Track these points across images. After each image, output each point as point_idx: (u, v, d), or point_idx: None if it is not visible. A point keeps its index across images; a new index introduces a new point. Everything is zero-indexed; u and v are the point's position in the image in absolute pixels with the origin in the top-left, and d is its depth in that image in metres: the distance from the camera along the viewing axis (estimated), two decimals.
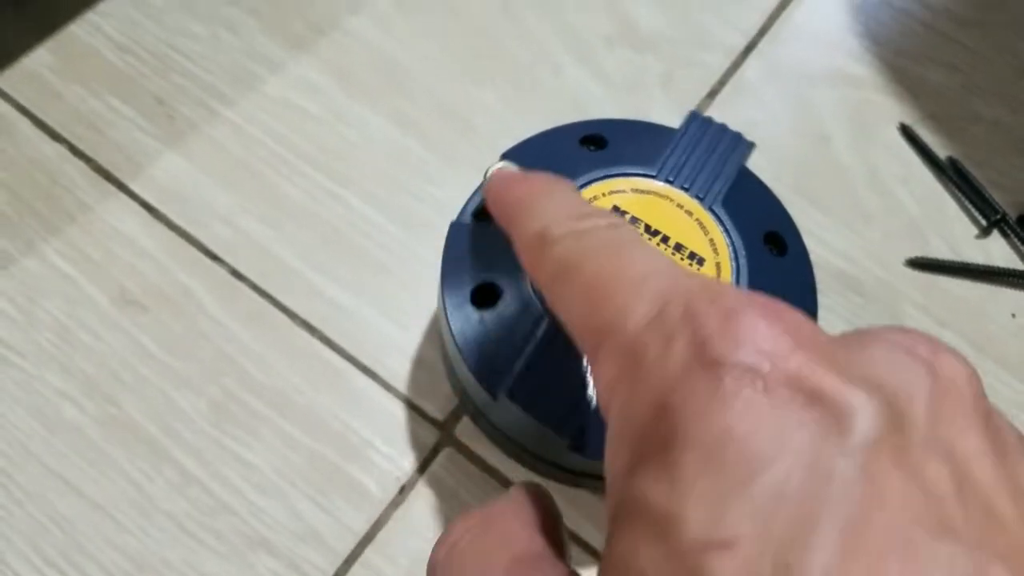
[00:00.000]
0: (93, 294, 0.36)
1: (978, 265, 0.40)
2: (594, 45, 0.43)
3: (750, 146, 0.31)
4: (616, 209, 0.30)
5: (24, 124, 0.40)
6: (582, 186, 0.30)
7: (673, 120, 0.33)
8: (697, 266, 0.29)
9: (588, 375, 0.27)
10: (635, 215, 0.30)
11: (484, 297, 0.29)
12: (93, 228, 0.38)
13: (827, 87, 0.43)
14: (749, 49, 0.44)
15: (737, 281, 0.29)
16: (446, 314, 0.29)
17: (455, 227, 0.31)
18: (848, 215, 0.41)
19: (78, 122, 0.40)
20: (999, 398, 0.38)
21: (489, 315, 0.29)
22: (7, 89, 0.40)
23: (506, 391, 0.27)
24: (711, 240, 0.30)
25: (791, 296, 0.29)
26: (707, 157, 0.31)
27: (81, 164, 0.39)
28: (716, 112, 0.42)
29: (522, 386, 0.27)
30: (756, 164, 0.32)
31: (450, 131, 0.41)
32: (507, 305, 0.29)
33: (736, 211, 0.30)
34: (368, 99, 0.41)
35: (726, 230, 0.30)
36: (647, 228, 0.30)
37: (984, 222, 0.41)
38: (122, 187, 0.39)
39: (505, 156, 0.31)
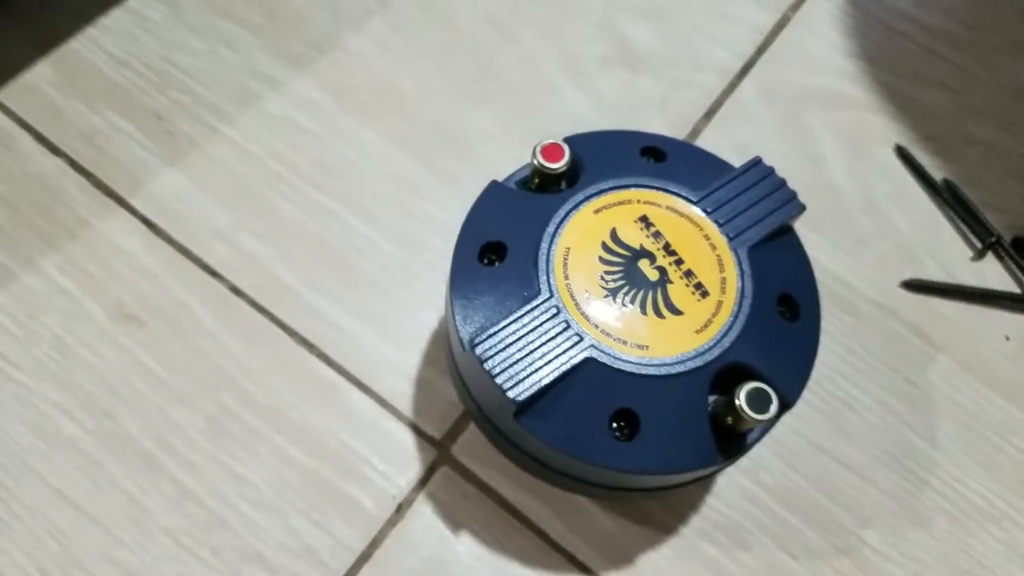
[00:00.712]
0: (92, 310, 0.37)
1: (972, 287, 0.41)
2: (591, 67, 0.44)
3: (800, 208, 0.31)
4: (644, 219, 0.30)
5: (25, 139, 0.40)
6: (624, 187, 0.31)
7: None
8: (700, 297, 0.29)
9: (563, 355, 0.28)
10: (660, 230, 0.30)
11: (491, 255, 0.30)
12: (92, 243, 0.38)
13: (822, 107, 0.44)
14: (746, 70, 0.44)
15: (731, 324, 0.29)
16: (452, 264, 0.30)
17: (494, 185, 0.32)
18: (842, 236, 0.41)
19: (78, 137, 0.40)
20: (990, 421, 0.38)
21: (489, 272, 0.29)
22: (8, 103, 0.41)
23: (471, 342, 0.28)
24: (723, 279, 0.30)
25: (782, 361, 0.29)
26: (753, 203, 0.31)
27: (81, 179, 0.39)
28: (712, 132, 0.42)
29: (491, 344, 0.28)
30: None
31: (448, 152, 0.41)
32: (510, 267, 0.29)
33: (761, 263, 0.30)
34: (367, 119, 0.41)
35: (742, 275, 0.30)
36: (666, 247, 0.30)
37: (979, 244, 0.42)
38: (122, 203, 0.39)
39: (569, 140, 0.32)
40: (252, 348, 0.36)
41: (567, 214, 0.30)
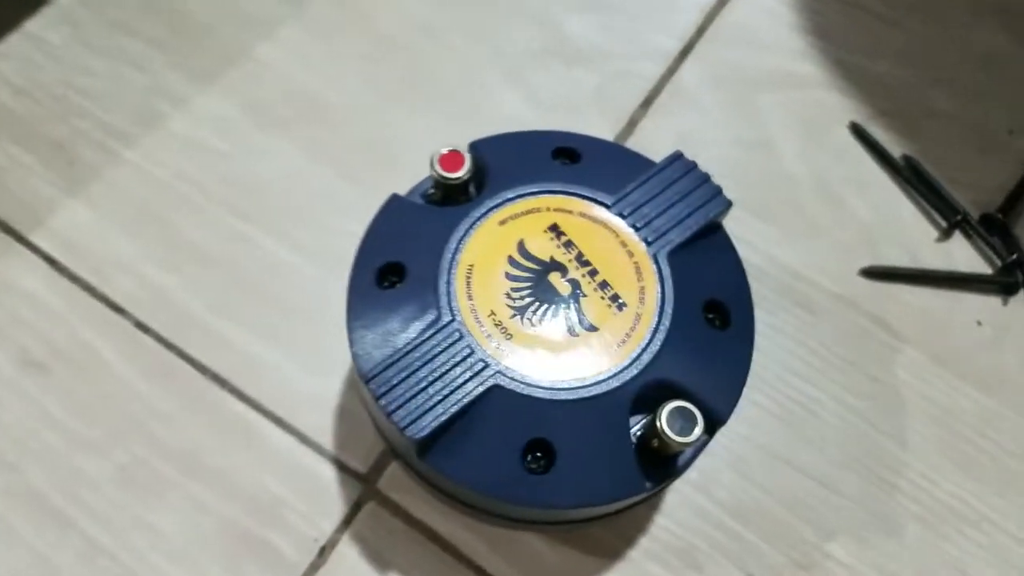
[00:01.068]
0: None
1: (939, 271, 0.38)
2: (525, 63, 0.41)
3: (726, 204, 0.28)
4: (555, 228, 0.28)
5: None
6: (532, 194, 0.28)
7: (606, 137, 0.31)
8: (617, 310, 0.27)
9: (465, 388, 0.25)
10: (572, 239, 0.28)
11: (391, 277, 0.28)
12: None
13: (770, 89, 0.41)
14: (685, 53, 0.42)
15: (651, 338, 0.26)
16: (348, 289, 0.28)
17: (394, 200, 0.29)
18: (796, 226, 0.38)
19: None
20: (964, 415, 0.35)
21: (388, 296, 0.27)
22: None
23: (367, 376, 0.25)
24: (642, 288, 0.27)
25: (711, 374, 0.27)
26: (673, 202, 0.28)
27: None
28: (651, 123, 0.40)
29: (387, 377, 0.25)
30: None
31: (371, 162, 0.38)
32: (409, 289, 0.27)
33: (684, 267, 0.28)
34: (282, 131, 0.39)
35: (662, 282, 0.27)
36: (579, 257, 0.27)
37: (944, 224, 0.39)
38: (21, 239, 0.37)
39: (474, 146, 0.29)
40: (162, 388, 0.34)
41: (470, 228, 0.28)
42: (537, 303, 0.27)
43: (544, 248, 0.28)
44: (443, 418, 0.25)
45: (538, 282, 0.27)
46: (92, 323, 0.35)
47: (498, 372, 0.26)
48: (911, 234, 0.39)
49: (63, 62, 0.40)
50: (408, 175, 0.37)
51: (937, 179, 0.39)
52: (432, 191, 0.30)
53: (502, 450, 0.26)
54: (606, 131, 0.39)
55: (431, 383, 0.25)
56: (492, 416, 0.26)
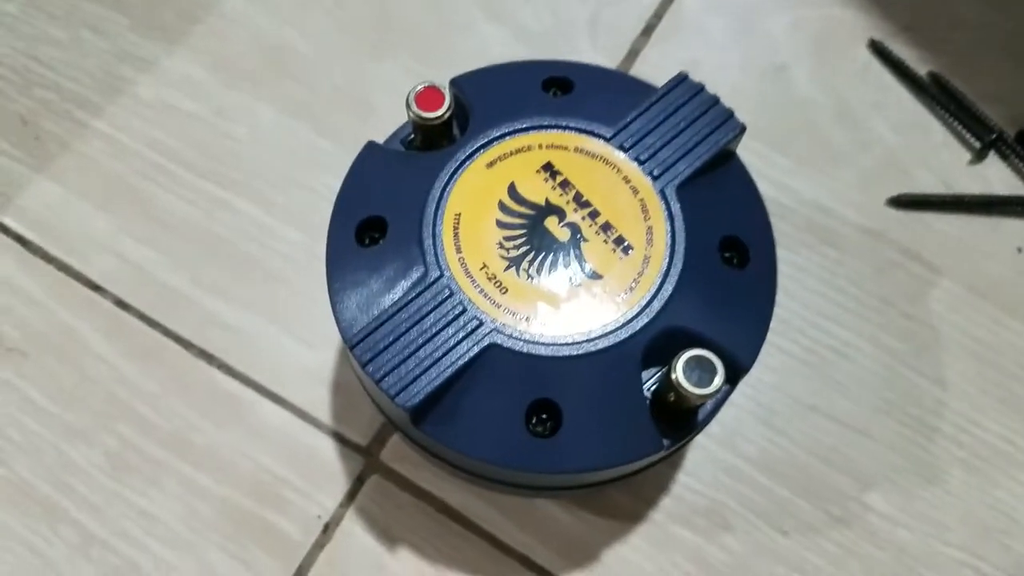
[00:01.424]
0: None
1: (973, 196, 0.35)
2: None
3: (739, 128, 0.26)
4: (549, 167, 0.25)
5: None
6: (521, 131, 0.26)
7: None
8: (623, 254, 0.24)
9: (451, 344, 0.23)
10: (568, 178, 0.25)
11: (372, 233, 0.25)
12: None
13: (781, 8, 0.38)
14: None
15: (662, 282, 0.24)
16: (327, 248, 0.25)
17: (370, 148, 0.27)
18: (816, 156, 0.35)
19: None
20: (1007, 349, 0.32)
21: (370, 253, 0.25)
22: None
23: (351, 342, 0.23)
24: (649, 228, 0.25)
25: (730, 318, 0.24)
26: (680, 130, 0.25)
27: None
28: (654, 52, 0.37)
29: (373, 341, 0.23)
30: None
31: (349, 114, 0.36)
32: (392, 245, 0.25)
33: (696, 202, 0.25)
34: (254, 88, 0.36)
35: (671, 221, 0.25)
36: (577, 197, 0.25)
37: (978, 144, 0.36)
38: None
39: (455, 82, 0.27)
40: (147, 368, 0.32)
41: (454, 173, 0.25)
42: (533, 252, 0.24)
43: (538, 190, 0.25)
44: (437, 383, 0.23)
45: (533, 228, 0.25)
46: (70, 304, 0.33)
47: (494, 330, 0.23)
48: (942, 157, 0.36)
49: (21, 32, 0.37)
50: (388, 125, 0.34)
51: (967, 96, 0.36)
52: (412, 136, 0.27)
53: (504, 414, 0.23)
54: (606, 63, 0.36)
55: (421, 346, 0.23)
56: (491, 378, 0.23)
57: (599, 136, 0.26)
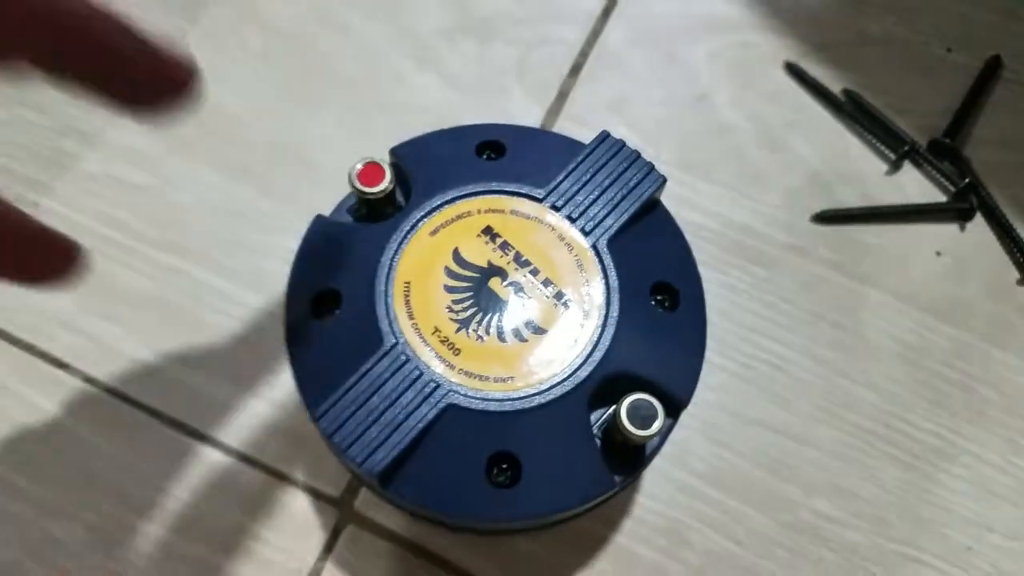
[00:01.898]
0: None
1: (892, 206, 0.37)
2: (434, 43, 0.39)
3: (660, 181, 0.27)
4: (488, 231, 0.27)
5: None
6: (459, 198, 0.27)
7: (534, 115, 0.30)
8: (563, 308, 0.26)
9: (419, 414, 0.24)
10: (507, 240, 0.27)
11: (328, 305, 0.26)
12: None
13: (699, 39, 0.40)
14: (607, 12, 0.40)
15: (602, 332, 0.25)
16: (285, 323, 0.27)
17: (318, 221, 0.28)
18: (741, 179, 0.37)
19: None
20: (934, 350, 0.35)
21: (326, 326, 0.26)
22: None
23: (316, 416, 0.24)
24: (586, 280, 0.26)
25: (667, 359, 0.26)
26: (606, 187, 0.27)
27: None
28: (582, 91, 0.38)
29: (336, 412, 0.24)
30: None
31: (289, 172, 0.37)
32: (347, 317, 0.26)
33: (626, 252, 0.27)
34: (193, 153, 0.37)
35: (605, 272, 0.26)
36: (517, 257, 0.26)
37: (893, 156, 0.38)
38: None
39: (394, 151, 0.28)
40: (119, 440, 0.33)
41: (401, 242, 0.27)
42: (481, 312, 0.26)
43: (480, 253, 0.26)
44: (400, 447, 0.24)
45: (479, 290, 0.26)
46: (37, 383, 0.34)
47: (451, 391, 0.25)
48: (860, 171, 0.38)
49: None
50: (327, 181, 0.35)
51: (880, 110, 0.38)
52: (358, 206, 0.28)
53: (466, 469, 0.25)
54: (536, 106, 0.38)
55: (383, 412, 0.24)
56: (451, 436, 0.25)
57: (532, 198, 0.27)
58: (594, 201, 0.27)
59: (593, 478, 0.25)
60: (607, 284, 0.26)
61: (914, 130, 0.38)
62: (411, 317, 0.26)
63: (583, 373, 0.25)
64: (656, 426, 0.24)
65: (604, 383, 0.25)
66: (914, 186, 0.38)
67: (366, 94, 0.38)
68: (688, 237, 0.28)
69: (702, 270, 0.28)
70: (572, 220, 0.27)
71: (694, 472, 0.33)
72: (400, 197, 0.28)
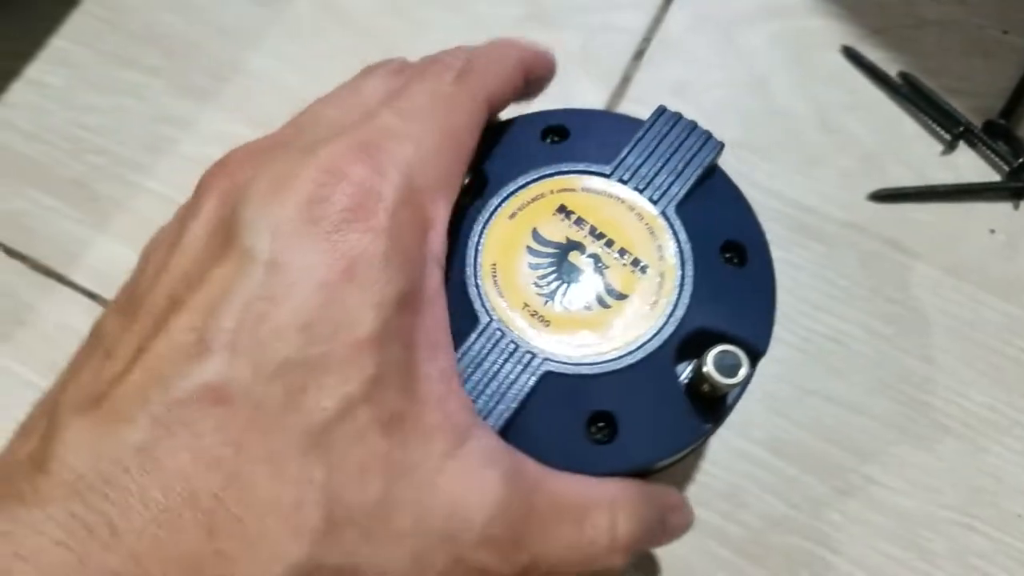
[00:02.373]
0: None
1: (946, 185, 0.38)
2: (505, 32, 0.41)
3: (718, 146, 0.29)
4: (563, 209, 0.29)
5: None
6: (532, 182, 0.29)
7: (599, 99, 0.31)
8: (640, 273, 0.28)
9: None
10: (581, 216, 0.29)
11: None
12: (42, 327, 0.37)
13: (757, 24, 0.41)
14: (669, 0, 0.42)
15: (680, 292, 0.27)
16: None
17: None
18: (799, 159, 0.39)
19: (6, 222, 0.39)
20: (986, 325, 0.36)
21: None
22: None
23: None
24: (659, 246, 0.28)
25: (742, 312, 0.28)
26: (668, 157, 0.29)
27: (17, 264, 0.38)
28: (645, 75, 0.40)
29: None
30: None
31: None
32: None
33: (694, 216, 0.28)
34: None
35: (676, 237, 0.28)
36: (592, 231, 0.28)
37: (948, 137, 0.39)
38: (62, 279, 0.38)
39: None
40: None
41: (483, 229, 0.29)
42: (564, 284, 0.28)
43: (557, 230, 0.29)
44: (506, 416, 0.26)
45: (560, 264, 0.28)
46: None
47: (546, 359, 0.27)
48: (915, 151, 0.39)
49: (67, 103, 0.41)
50: None
51: (936, 92, 0.39)
52: None
53: (567, 430, 0.27)
54: (600, 91, 0.40)
55: (486, 386, 0.27)
56: (550, 401, 0.27)
57: (600, 175, 0.29)
58: (659, 171, 0.29)
59: (684, 427, 0.27)
60: (679, 247, 0.28)
61: (969, 111, 0.39)
62: (501, 296, 0.28)
63: (667, 332, 0.27)
64: (742, 374, 0.26)
65: (686, 340, 0.27)
66: (969, 166, 0.39)
67: None
68: None
69: None
70: (640, 191, 0.29)
71: (753, 440, 0.35)
72: (476, 185, 0.30)
